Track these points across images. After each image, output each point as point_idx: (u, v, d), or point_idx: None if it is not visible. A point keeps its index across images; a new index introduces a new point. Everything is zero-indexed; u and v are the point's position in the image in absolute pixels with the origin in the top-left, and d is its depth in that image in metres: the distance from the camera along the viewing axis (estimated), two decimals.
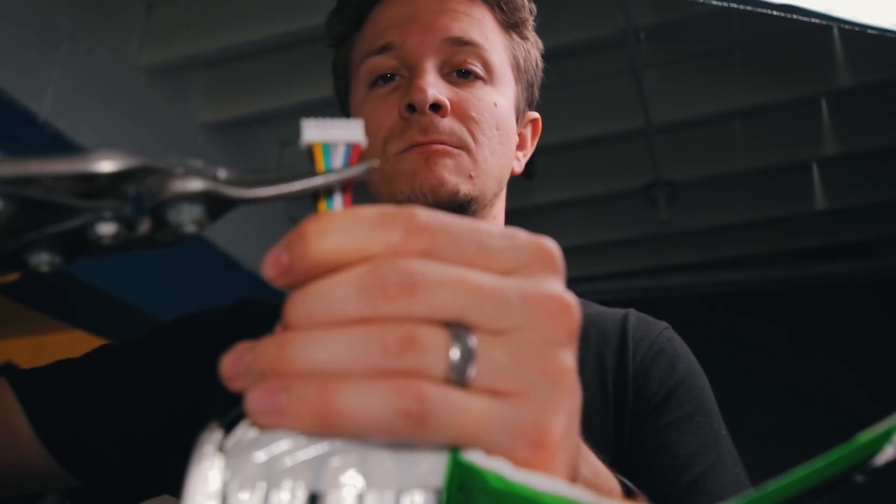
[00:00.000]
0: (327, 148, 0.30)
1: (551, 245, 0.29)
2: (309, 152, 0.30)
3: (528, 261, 0.29)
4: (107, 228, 0.28)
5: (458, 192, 0.72)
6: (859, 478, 0.27)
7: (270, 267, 0.28)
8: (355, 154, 0.30)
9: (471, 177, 0.74)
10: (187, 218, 0.28)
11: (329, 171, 0.30)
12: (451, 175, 0.72)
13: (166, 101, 2.61)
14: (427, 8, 0.78)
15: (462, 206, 0.73)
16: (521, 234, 0.29)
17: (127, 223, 0.28)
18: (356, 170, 0.30)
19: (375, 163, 0.30)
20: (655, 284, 3.87)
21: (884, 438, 0.26)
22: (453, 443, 0.26)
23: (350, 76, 0.84)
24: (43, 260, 0.28)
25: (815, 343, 3.56)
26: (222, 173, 0.29)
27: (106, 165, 0.27)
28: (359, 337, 0.26)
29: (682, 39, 2.54)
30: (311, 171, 0.30)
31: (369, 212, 0.28)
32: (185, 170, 0.28)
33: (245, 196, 0.29)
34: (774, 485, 0.26)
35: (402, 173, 0.73)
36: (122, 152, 0.27)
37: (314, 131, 0.30)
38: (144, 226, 0.28)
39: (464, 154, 0.74)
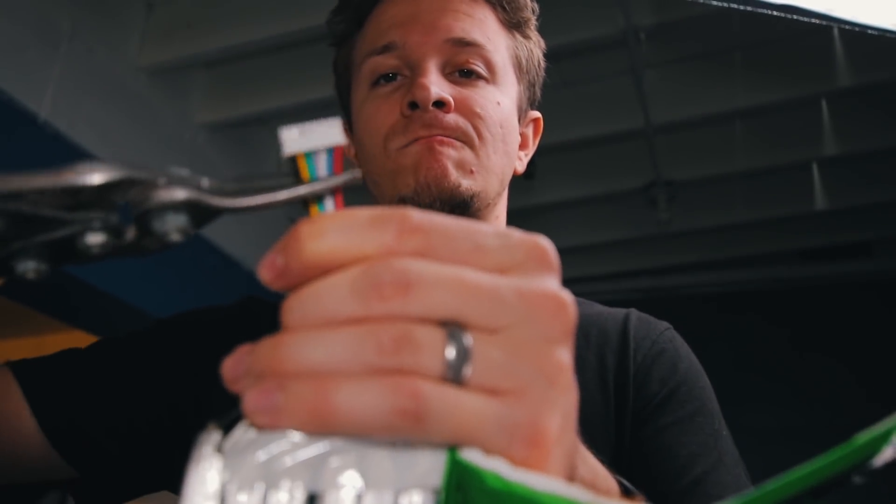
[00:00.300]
0: (310, 155, 0.30)
1: (545, 243, 0.29)
2: (292, 161, 0.30)
3: (522, 259, 0.29)
4: (95, 238, 0.28)
5: (459, 185, 0.72)
6: (858, 479, 0.27)
7: (266, 270, 0.28)
8: (338, 156, 0.30)
9: (472, 172, 0.74)
10: (172, 227, 0.29)
11: (314, 178, 0.30)
12: (455, 168, 0.73)
13: (166, 101, 2.61)
14: (429, 7, 0.78)
15: (465, 202, 0.73)
16: (515, 233, 0.29)
17: (115, 232, 0.29)
18: (340, 178, 0.30)
19: (358, 172, 0.31)
20: (655, 285, 3.87)
21: (882, 439, 0.26)
22: (450, 441, 0.26)
23: (351, 75, 0.84)
24: (29, 267, 0.28)
25: (816, 343, 3.56)
26: (206, 182, 0.29)
27: (89, 179, 0.27)
28: (354, 336, 0.26)
29: (682, 40, 2.55)
30: (297, 179, 0.30)
31: (363, 213, 0.28)
32: (169, 179, 0.28)
33: (229, 206, 0.29)
34: (773, 484, 0.26)
35: (406, 166, 0.73)
36: (105, 165, 0.27)
37: (294, 143, 0.30)
38: (130, 233, 0.29)
39: (467, 148, 0.74)
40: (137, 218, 0.29)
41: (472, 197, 0.74)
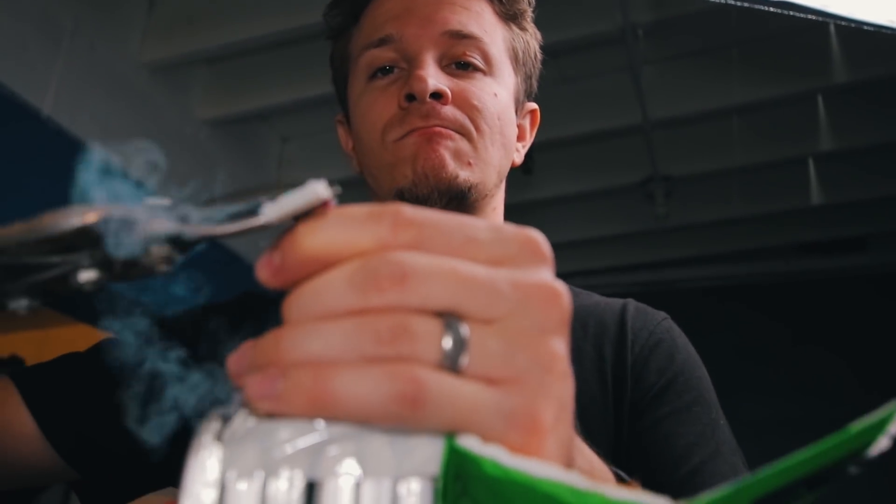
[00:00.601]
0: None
1: (538, 236, 0.30)
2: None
3: (516, 251, 0.29)
4: (86, 276, 0.29)
5: (457, 176, 0.72)
6: (853, 469, 0.27)
7: (264, 268, 0.29)
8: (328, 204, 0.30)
9: (470, 164, 0.74)
10: (157, 257, 0.29)
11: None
12: (452, 159, 0.72)
13: (168, 97, 2.61)
14: (426, 0, 0.77)
15: (462, 193, 0.73)
16: (507, 227, 0.30)
17: (104, 267, 0.29)
18: (317, 201, 0.29)
19: (338, 189, 0.31)
20: (653, 278, 3.88)
21: (877, 429, 0.26)
22: (448, 428, 0.26)
23: (348, 69, 0.83)
24: (22, 305, 0.29)
25: (812, 335, 3.59)
26: (185, 210, 0.29)
27: (65, 225, 0.27)
28: (352, 327, 0.27)
29: (679, 36, 2.55)
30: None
31: (357, 209, 0.29)
32: (147, 213, 0.29)
33: (210, 233, 0.29)
34: (766, 472, 0.26)
35: (404, 157, 0.73)
36: (79, 209, 0.28)
37: (279, 215, 0.29)
38: (118, 266, 0.29)
39: (464, 140, 0.74)
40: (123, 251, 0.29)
41: (469, 188, 0.73)
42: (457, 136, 0.74)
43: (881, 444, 0.26)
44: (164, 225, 0.29)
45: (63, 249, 0.28)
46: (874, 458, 0.27)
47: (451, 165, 0.72)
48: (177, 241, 0.29)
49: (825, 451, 0.26)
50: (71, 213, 0.27)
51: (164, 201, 0.29)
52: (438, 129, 0.73)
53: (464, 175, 0.73)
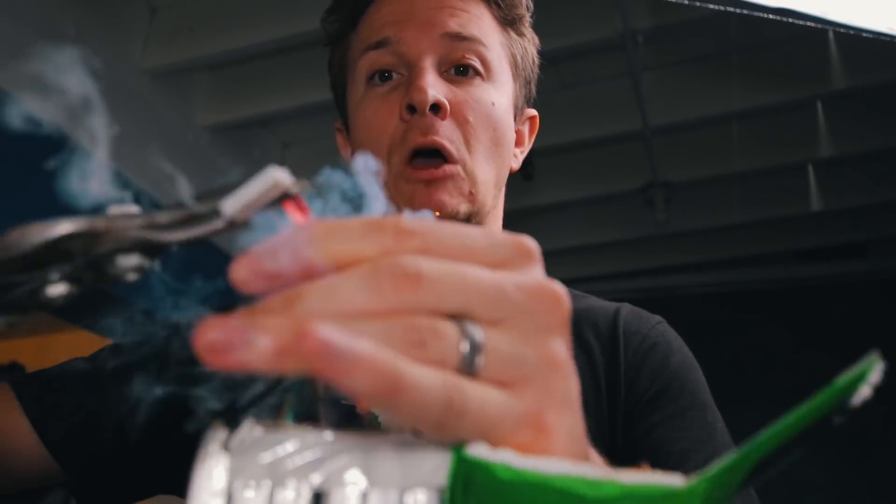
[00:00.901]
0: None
1: (529, 241, 0.31)
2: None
3: (511, 255, 0.30)
4: (55, 290, 0.28)
5: (458, 212, 0.73)
6: (837, 419, 0.28)
7: (246, 269, 0.28)
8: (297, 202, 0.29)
9: (471, 194, 0.74)
10: (125, 268, 0.29)
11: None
12: (451, 197, 0.73)
13: (169, 104, 2.62)
14: (424, 5, 0.78)
15: (464, 221, 0.74)
16: (499, 234, 0.30)
17: (73, 279, 0.28)
18: (277, 188, 0.29)
19: (307, 184, 0.30)
20: (653, 285, 3.88)
21: (859, 379, 0.27)
22: (477, 436, 0.27)
23: (347, 74, 0.83)
24: None
25: (812, 342, 3.58)
26: (152, 218, 0.29)
27: (24, 245, 0.26)
28: (377, 329, 0.26)
29: (679, 42, 2.56)
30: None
31: (356, 220, 0.29)
32: (110, 223, 0.28)
33: (175, 239, 0.29)
34: (766, 434, 0.27)
35: (402, 192, 0.74)
36: (43, 224, 0.27)
37: (240, 208, 0.29)
38: (87, 277, 0.29)
39: (461, 169, 0.74)
40: (89, 264, 0.28)
41: (470, 216, 0.75)
42: (454, 169, 0.74)
43: (863, 393, 0.27)
44: (131, 234, 0.28)
45: (30, 267, 0.27)
46: (857, 407, 0.27)
47: (452, 203, 0.73)
48: (145, 249, 0.29)
49: (815, 408, 0.27)
50: (35, 229, 0.27)
51: (131, 209, 0.29)
52: (436, 172, 0.73)
53: (465, 208, 0.74)
